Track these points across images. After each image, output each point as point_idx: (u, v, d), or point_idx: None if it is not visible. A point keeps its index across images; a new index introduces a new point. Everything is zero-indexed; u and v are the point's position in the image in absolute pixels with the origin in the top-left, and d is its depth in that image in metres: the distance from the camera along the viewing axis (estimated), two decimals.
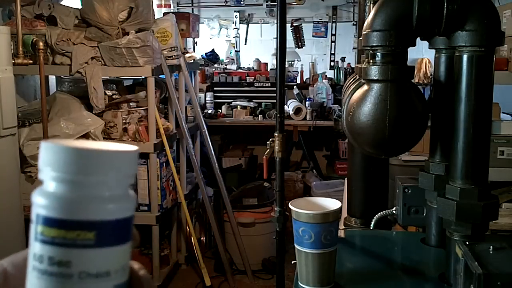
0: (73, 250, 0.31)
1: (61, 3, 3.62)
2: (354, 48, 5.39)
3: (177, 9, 5.69)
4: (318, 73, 5.43)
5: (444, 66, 1.22)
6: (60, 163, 0.31)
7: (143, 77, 3.35)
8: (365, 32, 1.11)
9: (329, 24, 5.72)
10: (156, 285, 3.23)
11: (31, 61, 2.90)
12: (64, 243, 0.30)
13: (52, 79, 3.71)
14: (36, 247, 0.32)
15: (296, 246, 1.13)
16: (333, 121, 4.54)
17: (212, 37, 5.90)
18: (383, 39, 1.07)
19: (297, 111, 4.88)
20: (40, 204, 0.32)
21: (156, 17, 3.45)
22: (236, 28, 5.80)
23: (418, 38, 1.15)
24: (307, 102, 4.94)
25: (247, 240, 3.72)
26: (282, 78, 2.55)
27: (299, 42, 5.67)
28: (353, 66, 5.10)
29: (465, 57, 1.05)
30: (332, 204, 1.15)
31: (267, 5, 5.49)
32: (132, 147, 0.33)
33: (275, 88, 2.50)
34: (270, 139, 2.50)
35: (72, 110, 3.13)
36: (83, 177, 0.31)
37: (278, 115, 2.49)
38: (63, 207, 0.31)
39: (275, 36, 2.56)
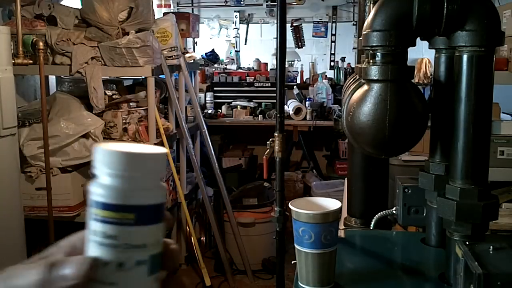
0: (119, 227, 0.41)
1: (61, 3, 3.62)
2: (354, 48, 5.39)
3: (177, 9, 5.69)
4: (318, 73, 5.43)
5: (444, 66, 1.22)
6: (112, 163, 0.41)
7: (143, 77, 3.35)
8: (365, 32, 1.11)
9: (329, 24, 5.73)
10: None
11: (31, 61, 2.90)
12: (113, 221, 0.41)
13: (52, 79, 3.71)
14: (92, 225, 0.42)
15: (296, 246, 1.13)
16: (333, 121, 4.54)
17: (212, 37, 5.90)
18: (383, 39, 1.07)
19: (297, 111, 4.88)
20: (96, 193, 0.41)
21: (156, 17, 3.45)
22: (236, 28, 5.80)
23: (418, 38, 1.15)
24: (307, 102, 4.94)
25: (247, 240, 3.72)
26: (282, 78, 2.55)
27: (299, 42, 5.67)
28: (353, 66, 5.11)
29: (465, 57, 1.05)
30: (332, 204, 1.14)
31: (267, 5, 5.49)
32: (163, 149, 0.44)
33: (275, 88, 2.50)
34: (270, 139, 2.50)
35: (72, 110, 3.13)
36: (128, 173, 0.41)
37: (278, 115, 2.49)
38: (112, 196, 0.41)
39: (275, 36, 2.56)
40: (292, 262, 1.19)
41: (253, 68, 5.58)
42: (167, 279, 0.44)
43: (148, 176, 0.42)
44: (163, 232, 0.43)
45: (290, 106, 4.93)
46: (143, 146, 0.43)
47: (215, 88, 5.30)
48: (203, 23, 5.72)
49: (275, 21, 3.26)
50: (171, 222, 0.46)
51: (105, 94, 3.18)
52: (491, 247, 0.95)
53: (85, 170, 3.30)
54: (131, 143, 0.46)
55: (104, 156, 0.41)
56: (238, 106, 5.10)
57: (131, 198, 0.41)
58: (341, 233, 1.48)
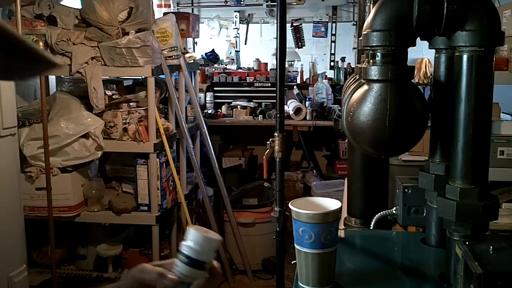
0: (180, 263, 0.80)
1: (61, 3, 3.62)
2: (354, 48, 5.38)
3: (177, 9, 5.69)
4: (318, 73, 5.42)
5: (444, 66, 1.22)
6: (193, 238, 0.80)
7: (143, 77, 3.35)
8: (365, 32, 1.11)
9: (329, 24, 5.72)
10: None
11: None
12: (180, 260, 0.81)
13: (52, 79, 3.71)
14: (178, 258, 0.81)
15: (296, 246, 1.13)
16: (333, 121, 4.54)
17: (212, 37, 5.90)
18: (383, 39, 1.08)
19: (297, 111, 4.88)
20: (182, 247, 0.81)
21: (156, 17, 3.45)
22: (236, 28, 5.80)
23: (418, 38, 1.15)
24: (307, 102, 4.94)
25: (247, 240, 3.72)
26: (282, 78, 2.55)
27: (299, 42, 5.67)
28: (353, 66, 5.10)
29: (465, 57, 1.05)
30: (332, 204, 1.15)
31: (267, 5, 5.49)
32: (218, 237, 0.83)
33: (275, 88, 2.50)
34: (270, 139, 2.50)
35: (72, 110, 3.13)
36: (191, 242, 0.80)
37: (278, 115, 2.49)
38: (182, 249, 0.81)
39: (275, 36, 2.56)
40: (292, 262, 1.19)
41: (253, 68, 5.58)
42: None
43: (201, 247, 0.80)
44: (202, 275, 0.81)
45: (290, 106, 4.93)
46: (208, 232, 0.81)
47: (215, 88, 5.30)
48: (203, 23, 5.71)
49: (275, 21, 3.26)
50: (217, 276, 0.84)
51: (105, 94, 3.18)
52: (491, 247, 0.95)
53: (85, 170, 3.30)
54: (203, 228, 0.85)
55: (189, 232, 0.81)
56: (238, 106, 5.10)
57: (188, 253, 0.80)
58: (341, 233, 1.48)
